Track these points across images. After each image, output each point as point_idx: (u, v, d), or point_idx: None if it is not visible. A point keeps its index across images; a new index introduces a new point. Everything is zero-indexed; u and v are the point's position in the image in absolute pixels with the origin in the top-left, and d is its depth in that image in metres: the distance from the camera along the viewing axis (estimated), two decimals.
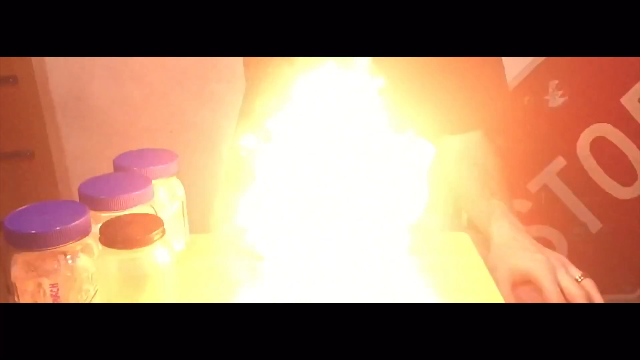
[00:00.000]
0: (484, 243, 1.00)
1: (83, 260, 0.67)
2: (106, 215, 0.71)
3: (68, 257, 0.65)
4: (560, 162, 1.63)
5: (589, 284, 0.91)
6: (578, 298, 0.89)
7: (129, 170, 0.81)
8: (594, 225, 1.69)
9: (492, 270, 0.91)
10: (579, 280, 0.91)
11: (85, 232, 0.67)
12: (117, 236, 0.65)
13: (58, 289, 0.65)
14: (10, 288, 0.66)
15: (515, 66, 1.55)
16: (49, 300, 0.65)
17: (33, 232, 0.63)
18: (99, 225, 0.67)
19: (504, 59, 1.21)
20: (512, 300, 0.90)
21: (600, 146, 1.61)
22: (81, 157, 1.77)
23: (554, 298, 0.88)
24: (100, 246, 0.66)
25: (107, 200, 0.73)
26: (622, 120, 1.58)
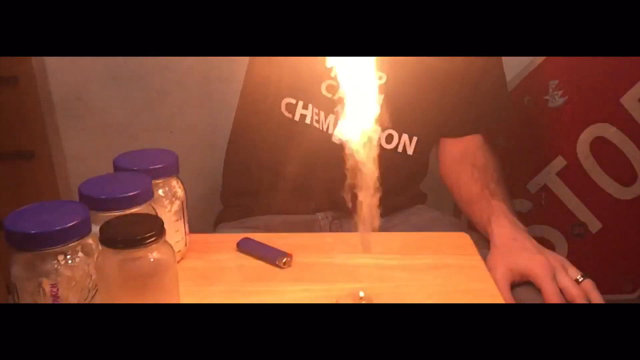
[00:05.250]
0: (484, 243, 1.01)
1: (83, 261, 0.67)
2: (106, 215, 0.71)
3: (68, 257, 0.65)
4: (560, 162, 1.63)
5: (588, 284, 0.91)
6: (577, 299, 0.89)
7: (129, 170, 0.81)
8: (594, 225, 1.69)
9: (491, 270, 0.91)
10: (579, 281, 0.91)
11: (85, 232, 0.67)
12: (117, 236, 0.65)
13: (58, 289, 0.65)
14: (10, 288, 0.66)
15: (515, 66, 1.54)
16: (49, 300, 0.65)
17: (33, 232, 0.63)
18: (99, 225, 0.67)
19: (504, 59, 1.21)
20: (510, 301, 0.90)
21: (600, 146, 1.61)
22: (81, 157, 1.76)
23: (553, 299, 0.88)
24: (100, 246, 0.66)
25: (107, 201, 0.73)
26: (622, 120, 1.58)
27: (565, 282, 0.90)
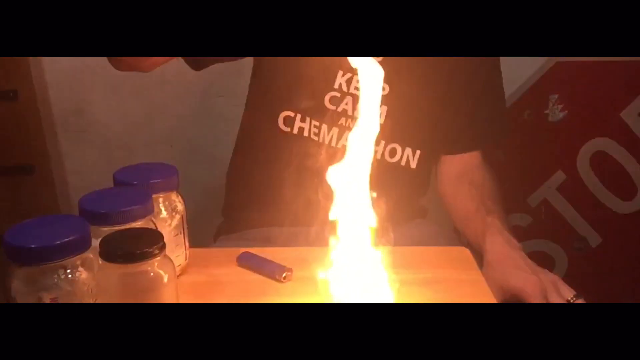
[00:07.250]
0: (478, 261, 1.00)
1: (83, 275, 0.66)
2: (106, 230, 0.71)
3: (68, 271, 0.65)
4: (560, 176, 1.63)
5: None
6: None
7: (129, 184, 0.81)
8: (594, 239, 1.69)
9: None
10: (571, 301, 0.91)
11: (85, 246, 0.66)
12: (117, 250, 0.65)
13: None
14: (10, 302, 0.65)
15: (516, 80, 1.55)
16: None
17: (33, 246, 0.63)
18: (99, 239, 0.67)
19: (504, 73, 1.22)
20: None
21: (600, 160, 1.61)
22: (81, 172, 1.77)
23: None
24: (100, 260, 0.66)
25: (107, 215, 0.73)
26: (622, 134, 1.59)
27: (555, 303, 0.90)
